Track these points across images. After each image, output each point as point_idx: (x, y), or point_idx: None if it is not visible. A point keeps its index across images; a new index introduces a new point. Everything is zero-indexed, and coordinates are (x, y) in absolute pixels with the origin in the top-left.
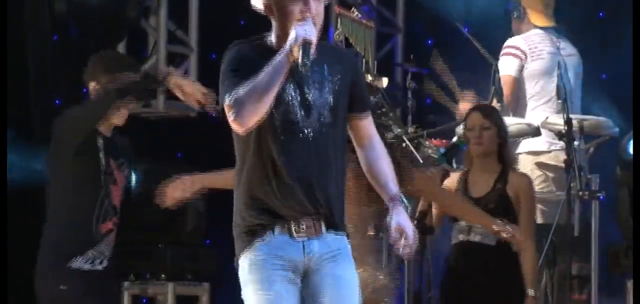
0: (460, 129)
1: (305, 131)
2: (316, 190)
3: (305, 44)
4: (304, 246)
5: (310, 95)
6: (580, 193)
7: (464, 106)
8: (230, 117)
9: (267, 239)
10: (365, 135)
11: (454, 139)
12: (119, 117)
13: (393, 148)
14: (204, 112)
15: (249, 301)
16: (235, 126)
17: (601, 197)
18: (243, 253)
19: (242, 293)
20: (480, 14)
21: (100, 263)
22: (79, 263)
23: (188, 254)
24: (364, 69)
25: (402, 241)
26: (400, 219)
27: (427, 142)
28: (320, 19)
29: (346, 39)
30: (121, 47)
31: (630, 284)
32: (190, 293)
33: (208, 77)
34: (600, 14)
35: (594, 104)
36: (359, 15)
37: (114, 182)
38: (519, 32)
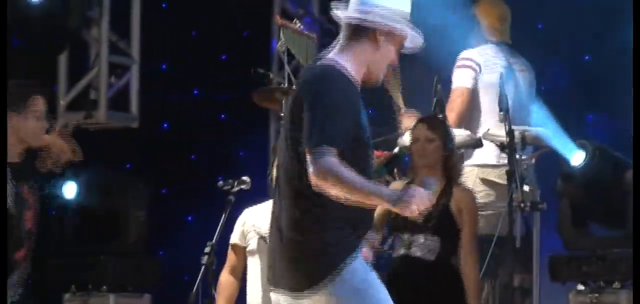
0: (402, 140)
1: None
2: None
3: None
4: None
5: None
6: (522, 204)
7: (406, 122)
8: (312, 161)
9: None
10: None
11: (396, 149)
12: (31, 139)
13: None
14: (147, 122)
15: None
16: (311, 176)
17: (543, 208)
18: (350, 256)
19: (358, 291)
20: (428, 25)
21: (13, 295)
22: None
23: (131, 265)
24: None
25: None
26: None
27: None
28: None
29: (288, 49)
30: (63, 58)
31: (572, 295)
32: None
33: (150, 88)
34: (539, 26)
35: (535, 115)
36: (301, 27)
37: (28, 208)
38: (473, 45)
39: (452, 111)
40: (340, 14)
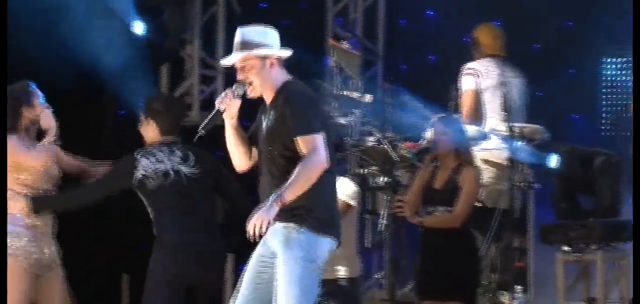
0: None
1: None
2: None
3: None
4: None
5: None
6: (520, 184)
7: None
8: None
9: None
10: None
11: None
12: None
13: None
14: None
15: None
16: None
17: (536, 187)
18: None
19: None
20: (445, 45)
21: None
22: None
23: None
24: (351, 87)
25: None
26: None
27: (401, 144)
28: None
29: (339, 64)
30: (164, 70)
31: (559, 254)
32: None
33: None
34: (536, 46)
35: (532, 113)
36: (349, 46)
37: None
38: (475, 59)
39: (463, 108)
40: (283, 52)
